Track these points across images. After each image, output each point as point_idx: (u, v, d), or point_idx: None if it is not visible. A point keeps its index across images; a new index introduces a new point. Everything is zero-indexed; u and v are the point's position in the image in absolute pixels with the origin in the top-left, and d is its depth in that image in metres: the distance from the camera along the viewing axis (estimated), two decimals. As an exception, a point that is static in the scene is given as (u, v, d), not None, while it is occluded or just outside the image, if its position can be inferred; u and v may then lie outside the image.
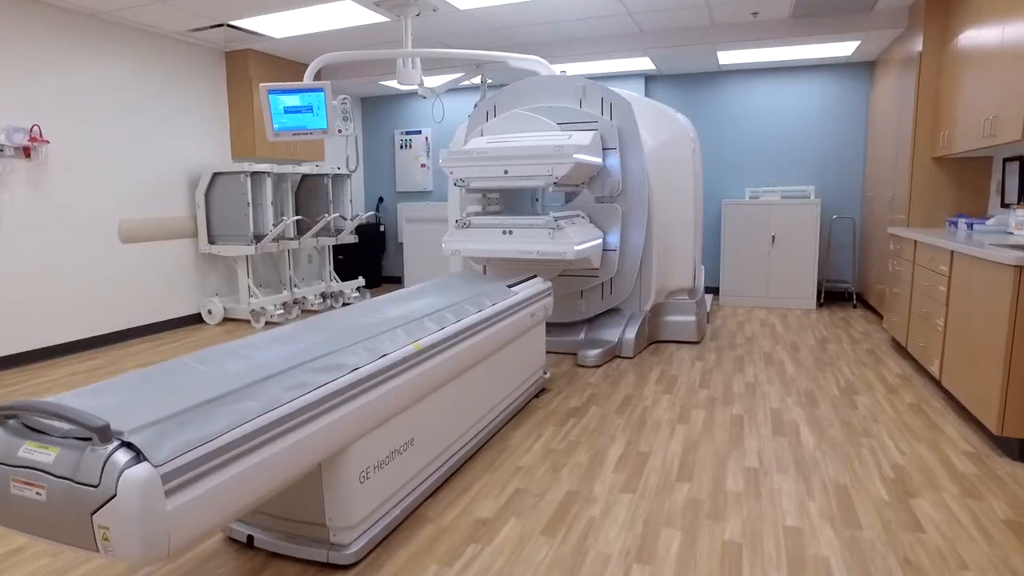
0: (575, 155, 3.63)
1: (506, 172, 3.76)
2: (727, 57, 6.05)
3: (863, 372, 4.00)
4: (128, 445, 1.23)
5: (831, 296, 6.61)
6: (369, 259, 7.82)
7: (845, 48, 5.68)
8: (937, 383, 3.69)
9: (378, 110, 8.13)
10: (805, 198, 6.17)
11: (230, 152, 6.19)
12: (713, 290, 6.82)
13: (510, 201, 4.83)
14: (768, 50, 5.80)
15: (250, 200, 5.62)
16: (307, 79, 4.18)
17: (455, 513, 2.31)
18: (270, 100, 4.00)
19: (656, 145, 4.58)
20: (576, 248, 3.66)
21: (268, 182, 5.78)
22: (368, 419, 1.92)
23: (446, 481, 2.56)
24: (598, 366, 4.23)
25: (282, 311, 5.83)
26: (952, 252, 3.25)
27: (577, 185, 4.22)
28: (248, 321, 5.88)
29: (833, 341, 4.85)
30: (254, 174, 5.73)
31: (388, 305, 2.75)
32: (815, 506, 2.31)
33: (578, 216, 4.16)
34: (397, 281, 8.25)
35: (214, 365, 1.78)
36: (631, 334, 4.44)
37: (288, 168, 6.09)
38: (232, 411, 1.47)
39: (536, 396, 3.62)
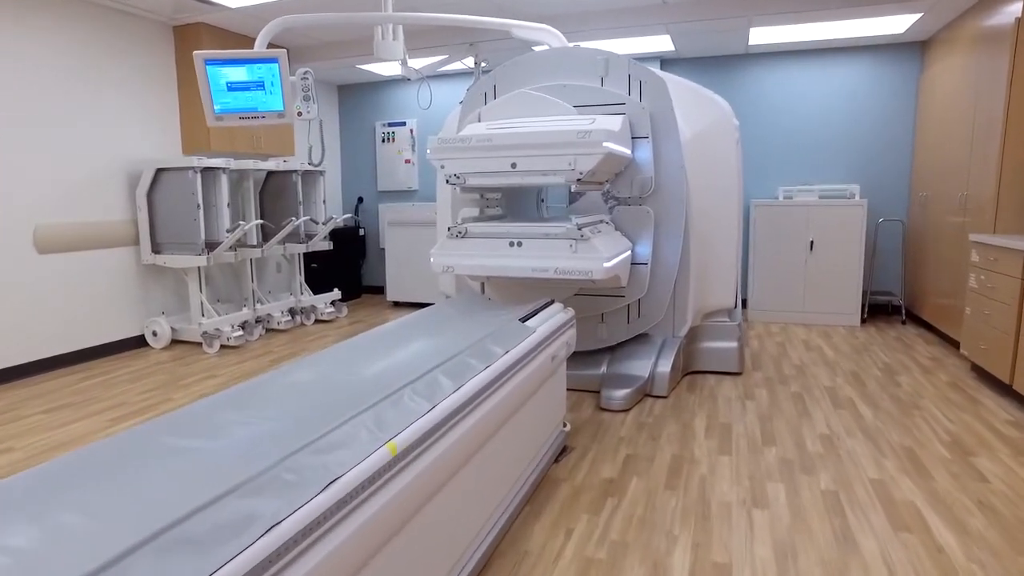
0: (605, 143, 2.77)
1: (514, 166, 2.90)
2: (759, 36, 5.23)
3: (963, 419, 3.18)
4: None
5: (872, 310, 5.81)
6: (347, 267, 6.93)
7: (898, 24, 4.88)
8: (1071, 438, 2.88)
9: (356, 99, 7.23)
10: (848, 198, 5.36)
11: (180, 144, 5.27)
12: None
13: (512, 203, 3.97)
14: (806, 28, 4.98)
15: (200, 201, 4.71)
16: (259, 48, 3.29)
17: None
18: (208, 73, 3.11)
19: (693, 134, 3.74)
20: (606, 265, 2.81)
21: (224, 180, 4.88)
22: (302, 608, 1.05)
23: (440, 629, 1.70)
24: (627, 410, 3.39)
25: (240, 332, 4.93)
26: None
27: (601, 183, 3.37)
28: (200, 344, 4.97)
29: (901, 371, 4.04)
30: (206, 170, 4.82)
31: (361, 356, 1.89)
32: None
33: (602, 222, 3.31)
34: (379, 291, 7.36)
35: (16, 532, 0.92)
36: (665, 367, 3.59)
37: (249, 163, 5.19)
38: None
39: (556, 460, 2.76)
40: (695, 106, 3.79)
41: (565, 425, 2.91)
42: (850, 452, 2.80)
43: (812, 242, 5.37)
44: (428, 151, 3.03)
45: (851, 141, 5.67)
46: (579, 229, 2.81)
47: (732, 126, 3.84)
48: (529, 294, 3.69)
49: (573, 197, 4.57)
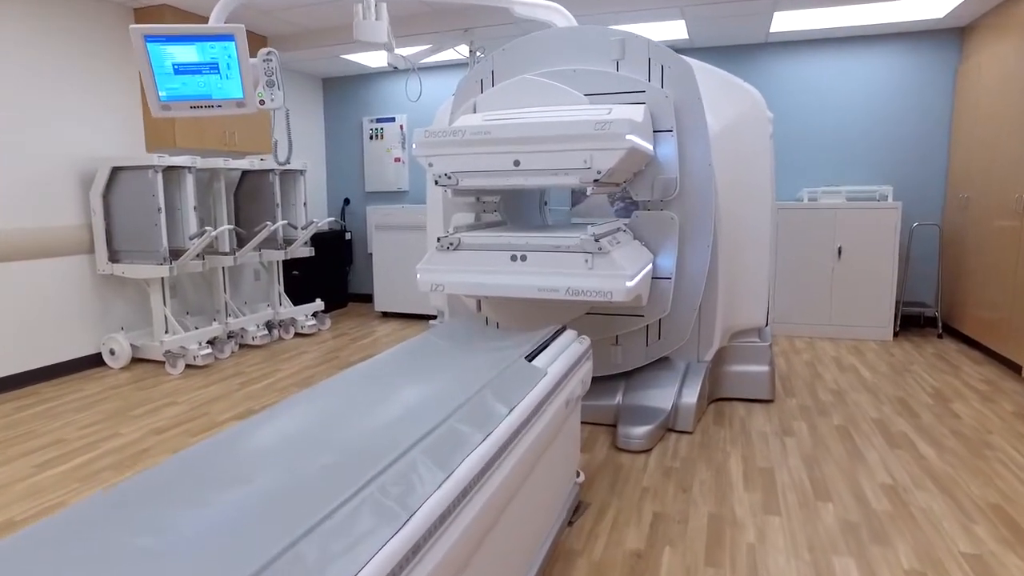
0: (629, 136, 2.28)
1: (517, 164, 2.40)
2: (783, 22, 4.75)
3: (1046, 462, 2.70)
4: None
5: (903, 322, 5.33)
6: (332, 274, 6.42)
7: (938, 7, 4.41)
8: None
9: (342, 93, 6.72)
10: (880, 200, 4.89)
11: (143, 140, 4.75)
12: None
13: (513, 207, 3.47)
14: (834, 13, 4.51)
15: (162, 204, 4.20)
16: (213, 23, 2.78)
17: None
18: (149, 52, 2.60)
19: (720, 128, 3.25)
20: (629, 285, 2.31)
21: (189, 180, 4.36)
22: None
23: None
24: (648, 450, 2.90)
25: (209, 350, 4.41)
26: None
27: (617, 185, 2.88)
28: (163, 363, 4.45)
29: (954, 398, 3.56)
30: (170, 169, 4.31)
31: (322, 422, 1.40)
32: None
33: (619, 230, 2.81)
34: (367, 300, 6.85)
35: None
36: (690, 398, 3.10)
37: (219, 162, 4.68)
38: None
39: (570, 522, 2.27)
40: (723, 95, 3.30)
41: (578, 475, 2.42)
42: (925, 511, 2.31)
43: (840, 249, 4.89)
44: (414, 146, 2.53)
45: (881, 138, 5.19)
46: (596, 240, 2.31)
47: (765, 119, 3.35)
48: (532, 313, 3.20)
49: (576, 198, 4.08)
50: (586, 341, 2.31)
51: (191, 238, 4.26)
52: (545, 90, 2.90)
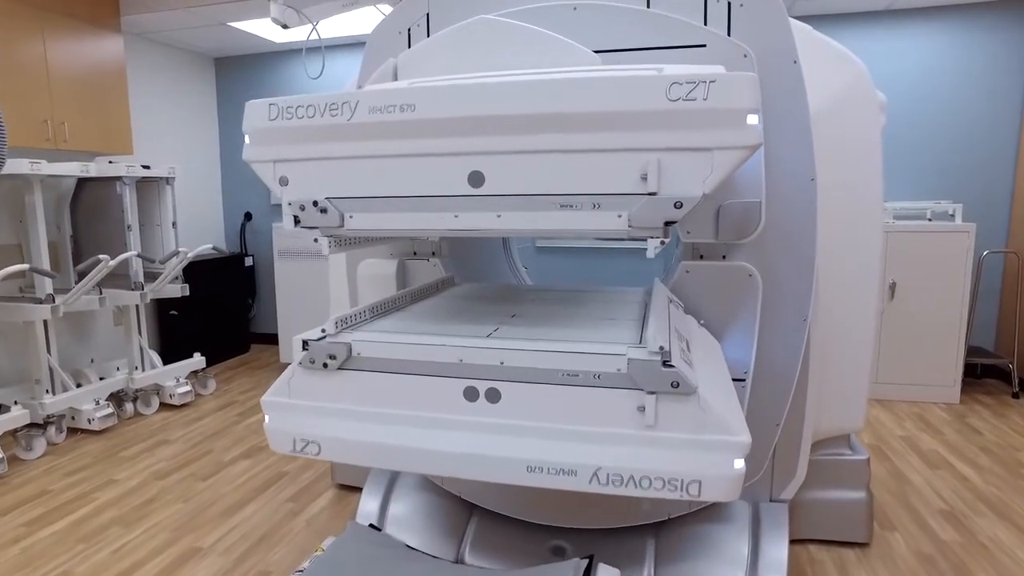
0: (752, 117, 0.95)
1: (477, 180, 1.04)
2: (820, -17, 3.55)
3: None
4: None
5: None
6: (229, 312, 4.91)
7: (1031, -35, 3.28)
8: None
9: (240, 77, 5.22)
10: (935, 218, 3.76)
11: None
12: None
13: (461, 249, 2.12)
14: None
15: (-91, 233, 2.66)
16: None
17: None
18: None
19: (812, 114, 1.97)
20: (740, 467, 0.98)
21: (-34, 195, 2.84)
22: None
23: None
24: None
25: (-1, 455, 2.89)
26: None
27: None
28: (-74, 477, 2.90)
29: None
30: (-71, 179, 2.79)
31: None
32: None
33: (672, 303, 1.49)
34: (272, 341, 5.35)
35: None
36: (774, 579, 1.81)
37: (24, 165, 3.15)
38: None
39: None
40: (813, 63, 2.02)
41: None
42: None
43: (894, 284, 3.72)
44: (247, 139, 1.15)
45: (933, 139, 4.06)
46: (666, 363, 0.98)
47: (874, 103, 2.08)
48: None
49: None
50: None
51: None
52: (522, 40, 1.56)
